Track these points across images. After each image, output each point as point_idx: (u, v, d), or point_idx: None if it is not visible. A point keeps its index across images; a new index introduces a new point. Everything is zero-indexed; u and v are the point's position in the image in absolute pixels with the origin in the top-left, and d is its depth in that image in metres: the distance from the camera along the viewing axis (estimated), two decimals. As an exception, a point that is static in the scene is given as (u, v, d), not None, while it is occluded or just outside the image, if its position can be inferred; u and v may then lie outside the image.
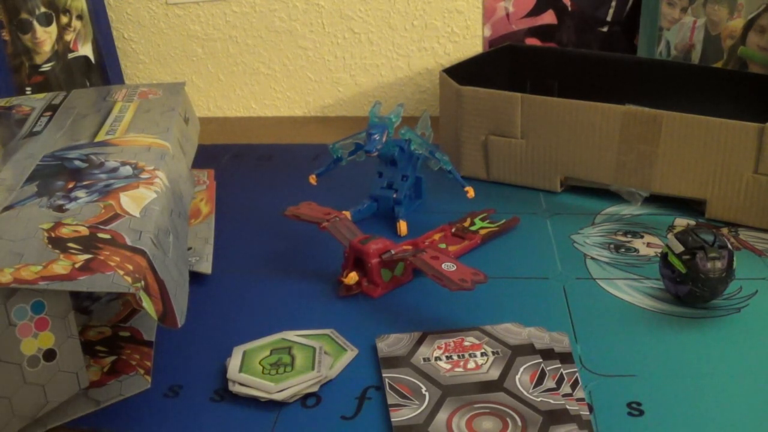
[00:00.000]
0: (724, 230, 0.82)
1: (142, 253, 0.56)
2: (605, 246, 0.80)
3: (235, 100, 1.33)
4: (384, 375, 0.60)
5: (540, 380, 0.58)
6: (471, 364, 0.60)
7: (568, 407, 0.55)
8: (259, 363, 0.62)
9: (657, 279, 0.72)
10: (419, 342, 0.64)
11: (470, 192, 0.84)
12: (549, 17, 1.19)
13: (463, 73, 1.01)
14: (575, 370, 0.59)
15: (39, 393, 0.54)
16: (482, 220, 0.85)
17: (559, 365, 0.60)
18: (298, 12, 1.25)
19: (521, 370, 0.59)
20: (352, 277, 0.71)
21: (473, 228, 0.83)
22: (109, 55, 1.26)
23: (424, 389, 0.58)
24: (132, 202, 0.63)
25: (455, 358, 0.61)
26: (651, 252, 0.78)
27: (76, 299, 0.70)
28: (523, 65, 1.14)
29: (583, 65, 1.09)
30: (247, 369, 0.61)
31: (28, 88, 1.15)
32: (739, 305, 0.68)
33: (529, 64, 1.14)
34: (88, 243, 0.56)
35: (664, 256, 0.69)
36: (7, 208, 0.63)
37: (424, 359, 0.62)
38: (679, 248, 0.67)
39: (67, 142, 0.77)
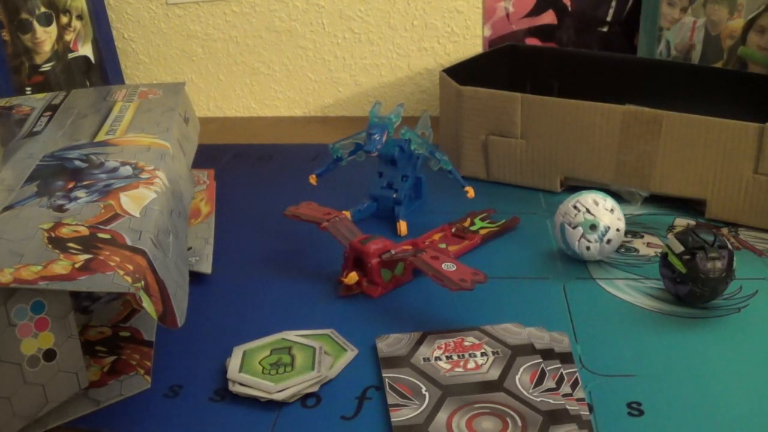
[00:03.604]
0: (724, 230, 0.82)
1: (142, 253, 0.56)
2: (605, 246, 0.80)
3: (235, 100, 1.33)
4: (384, 375, 0.60)
5: (540, 380, 0.58)
6: (471, 364, 0.60)
7: (568, 407, 0.55)
8: (259, 363, 0.62)
9: (657, 279, 0.72)
10: (419, 342, 0.64)
11: (470, 192, 0.84)
12: (549, 17, 1.19)
13: (463, 73, 1.01)
14: (575, 370, 0.59)
15: (39, 393, 0.54)
16: (482, 220, 0.85)
17: (559, 365, 0.60)
18: (298, 12, 1.25)
19: (521, 370, 0.59)
20: (352, 277, 0.71)
21: (473, 228, 0.83)
22: (109, 55, 1.26)
23: (424, 389, 0.58)
24: (132, 202, 0.63)
25: (455, 358, 0.61)
26: (651, 252, 0.78)
27: (76, 299, 0.70)
28: (523, 65, 1.14)
29: (583, 65, 1.09)
30: (247, 369, 0.61)
31: (28, 88, 1.15)
32: (739, 305, 0.68)
33: (529, 64, 1.14)
34: (88, 243, 0.56)
35: (664, 256, 0.69)
36: (7, 208, 0.63)
37: (424, 359, 0.62)
38: (679, 248, 0.67)
39: (67, 142, 0.77)
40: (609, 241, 0.74)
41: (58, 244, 0.56)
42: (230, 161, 1.10)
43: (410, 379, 0.59)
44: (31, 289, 0.51)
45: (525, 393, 0.57)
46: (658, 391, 0.57)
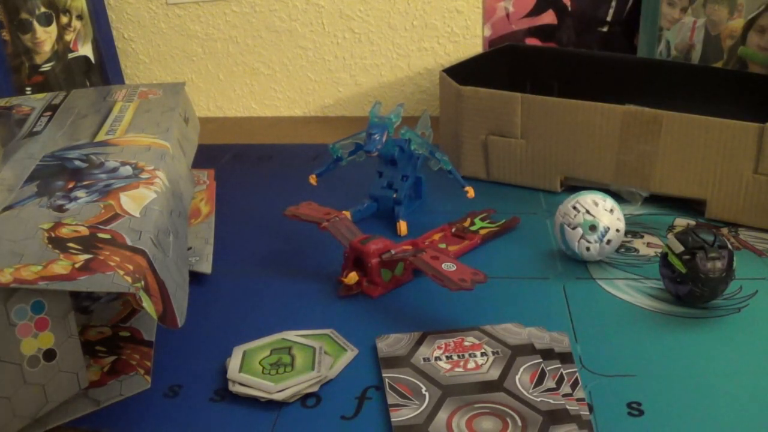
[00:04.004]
0: (724, 230, 0.82)
1: (142, 253, 0.56)
2: (605, 246, 0.80)
3: (235, 100, 1.33)
4: (384, 375, 0.60)
5: (540, 380, 0.58)
6: (471, 364, 0.60)
7: (568, 407, 0.55)
8: (259, 363, 0.62)
9: (657, 279, 0.72)
10: (419, 342, 0.64)
11: (470, 192, 0.84)
12: (549, 17, 1.19)
13: (463, 73, 1.01)
14: (575, 370, 0.59)
15: (39, 393, 0.54)
16: (482, 220, 0.85)
17: (559, 365, 0.60)
18: (298, 12, 1.25)
19: (521, 370, 0.59)
20: (352, 277, 0.71)
21: (473, 228, 0.83)
22: (109, 55, 1.26)
23: (424, 389, 0.58)
24: (132, 202, 0.63)
25: (455, 358, 0.61)
26: (651, 252, 0.78)
27: (76, 299, 0.70)
28: (523, 65, 1.14)
29: (583, 65, 1.09)
30: (247, 369, 0.61)
31: (28, 88, 1.15)
32: (739, 305, 0.68)
33: (529, 64, 1.14)
34: (88, 243, 0.56)
35: (664, 256, 0.69)
36: (7, 208, 0.63)
37: (424, 359, 0.62)
38: (679, 248, 0.67)
39: (67, 142, 0.77)
40: (609, 242, 0.74)
41: (58, 244, 0.56)
42: (230, 161, 1.10)
43: (410, 379, 0.59)
44: (31, 289, 0.51)
45: (525, 393, 0.57)
46: (658, 391, 0.57)
